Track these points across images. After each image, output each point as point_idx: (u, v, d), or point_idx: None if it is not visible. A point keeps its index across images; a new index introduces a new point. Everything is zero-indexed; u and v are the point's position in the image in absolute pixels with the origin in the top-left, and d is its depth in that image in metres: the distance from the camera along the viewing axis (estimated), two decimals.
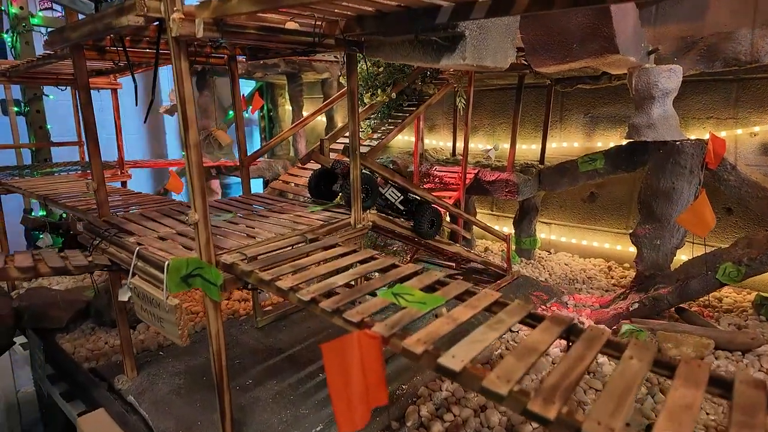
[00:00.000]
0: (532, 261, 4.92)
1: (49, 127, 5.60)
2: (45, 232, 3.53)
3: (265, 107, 7.32)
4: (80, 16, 4.67)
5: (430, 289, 1.68)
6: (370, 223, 2.62)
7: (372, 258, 1.92)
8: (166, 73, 7.94)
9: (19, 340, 3.87)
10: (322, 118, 6.72)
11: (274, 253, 1.98)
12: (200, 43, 2.68)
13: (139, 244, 2.06)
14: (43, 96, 5.44)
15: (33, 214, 5.38)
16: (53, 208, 3.62)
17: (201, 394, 2.55)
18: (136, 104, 2.08)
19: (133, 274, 1.97)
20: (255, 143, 8.50)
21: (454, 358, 1.22)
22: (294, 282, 1.63)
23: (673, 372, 1.25)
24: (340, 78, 5.76)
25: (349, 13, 1.87)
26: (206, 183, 6.46)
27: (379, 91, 3.36)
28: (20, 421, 4.42)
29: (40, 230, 4.28)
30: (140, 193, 3.56)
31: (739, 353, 3.03)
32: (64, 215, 4.41)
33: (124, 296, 2.09)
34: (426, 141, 5.86)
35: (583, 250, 5.08)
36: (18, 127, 5.54)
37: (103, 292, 3.52)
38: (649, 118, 3.39)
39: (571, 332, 1.42)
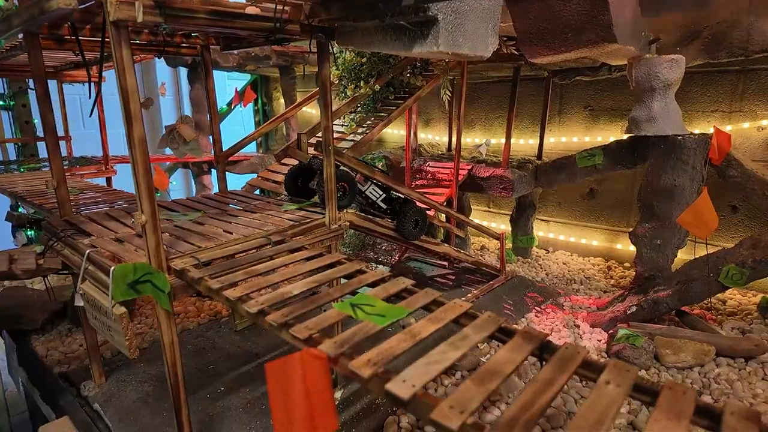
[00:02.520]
0: (529, 260, 4.76)
1: (35, 121, 5.49)
2: (20, 230, 3.41)
3: (260, 101, 7.16)
4: None
5: (395, 298, 1.53)
6: (348, 223, 2.47)
7: (338, 262, 1.78)
8: (161, 65, 7.80)
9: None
10: (316, 111, 6.56)
11: (233, 256, 1.84)
12: (167, 30, 2.54)
13: (92, 246, 1.93)
14: (28, 90, 5.32)
15: (20, 210, 5.29)
16: (23, 205, 3.51)
17: (169, 402, 2.41)
18: (90, 97, 1.95)
19: (84, 279, 1.84)
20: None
21: (405, 383, 1.07)
22: (244, 291, 1.49)
23: (655, 398, 1.10)
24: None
25: None
26: (198, 179, 6.36)
27: (362, 83, 3.19)
28: (9, 420, 4.35)
29: (23, 227, 4.18)
30: (115, 190, 3.43)
31: (742, 360, 2.88)
32: None
33: (78, 302, 1.96)
34: (421, 135, 5.68)
35: (582, 249, 4.89)
36: (3, 122, 5.43)
37: None
38: (649, 111, 3.21)
39: (544, 350, 1.27)
